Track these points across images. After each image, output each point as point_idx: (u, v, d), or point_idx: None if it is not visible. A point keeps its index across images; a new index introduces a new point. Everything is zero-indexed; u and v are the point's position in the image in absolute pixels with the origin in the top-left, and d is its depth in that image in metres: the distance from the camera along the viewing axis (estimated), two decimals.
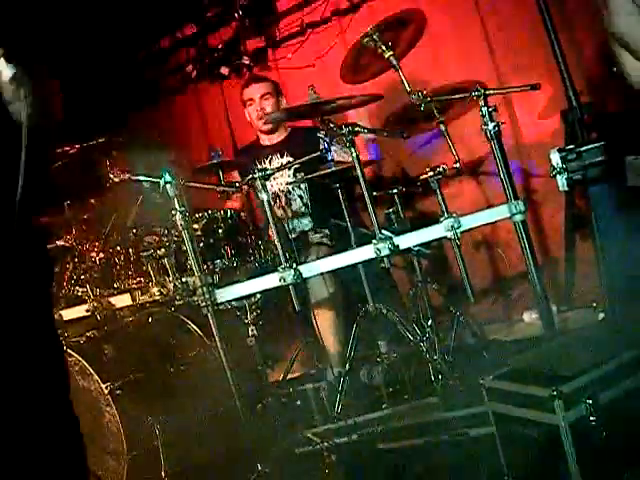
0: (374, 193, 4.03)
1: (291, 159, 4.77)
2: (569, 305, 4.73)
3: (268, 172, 3.36)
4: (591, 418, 2.24)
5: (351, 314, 4.09)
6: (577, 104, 4.09)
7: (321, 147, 3.88)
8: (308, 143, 4.57)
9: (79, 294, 3.92)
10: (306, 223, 4.69)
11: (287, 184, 4.71)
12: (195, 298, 3.47)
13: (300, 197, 4.76)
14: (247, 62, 6.06)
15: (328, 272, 3.51)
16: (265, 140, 5.05)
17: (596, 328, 3.16)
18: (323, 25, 5.75)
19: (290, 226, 4.59)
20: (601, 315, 4.15)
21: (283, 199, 4.75)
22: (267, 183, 3.41)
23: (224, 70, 6.13)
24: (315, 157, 3.70)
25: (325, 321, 4.19)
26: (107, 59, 6.31)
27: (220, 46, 6.18)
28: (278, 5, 5.94)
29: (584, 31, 4.52)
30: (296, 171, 4.72)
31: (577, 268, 4.67)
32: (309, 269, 3.34)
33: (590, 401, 2.24)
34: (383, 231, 3.23)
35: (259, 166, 4.72)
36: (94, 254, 3.85)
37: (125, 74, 6.60)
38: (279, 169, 4.26)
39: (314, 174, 3.78)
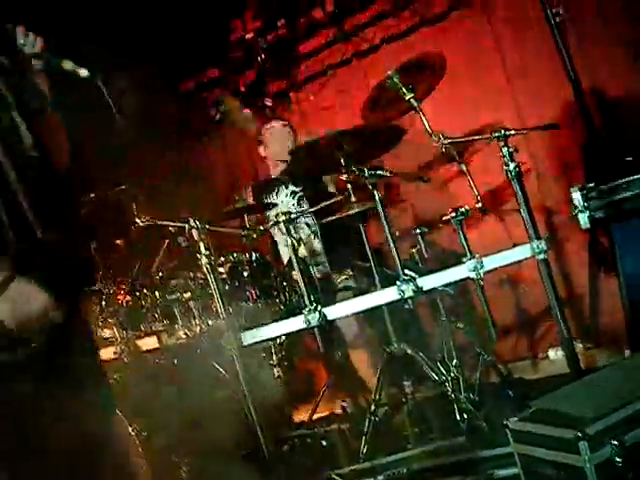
0: (397, 233, 4.07)
1: (295, 188, 4.80)
2: (595, 342, 4.71)
3: (292, 216, 3.40)
4: (617, 459, 2.22)
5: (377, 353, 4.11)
6: (598, 141, 4.11)
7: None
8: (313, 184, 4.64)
9: (106, 336, 3.96)
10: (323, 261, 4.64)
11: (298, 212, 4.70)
12: (221, 340, 3.50)
13: (307, 225, 4.75)
14: (269, 104, 6.14)
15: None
16: (272, 173, 5.10)
17: (622, 366, 3.12)
18: (344, 66, 5.82)
19: (313, 267, 4.59)
20: (627, 352, 4.13)
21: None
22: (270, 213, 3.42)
23: (247, 112, 6.21)
24: (324, 192, 3.71)
25: (362, 361, 4.21)
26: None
27: (243, 89, 6.27)
28: (300, 47, 6.02)
29: (603, 65, 4.56)
30: (300, 199, 4.75)
31: (602, 305, 4.65)
32: (333, 311, 3.36)
33: (616, 442, 2.22)
34: (406, 271, 3.24)
35: (267, 200, 4.78)
36: (121, 297, 3.89)
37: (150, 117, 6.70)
38: (302, 213, 4.28)
39: (338, 215, 3.78)
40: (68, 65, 2.14)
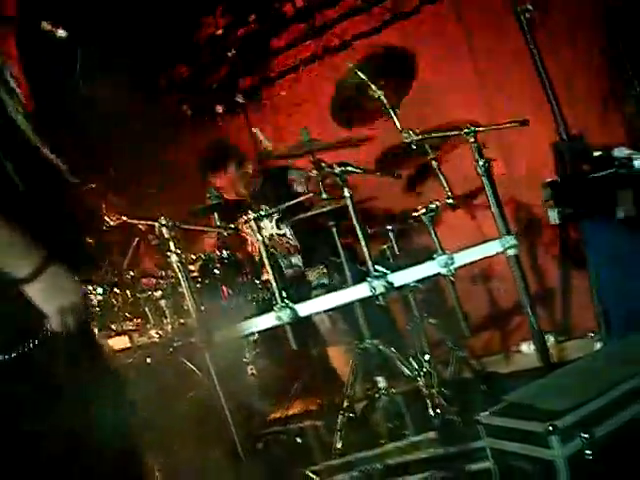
0: (369, 231, 4.08)
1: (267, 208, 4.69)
2: (567, 335, 4.75)
3: (263, 214, 3.39)
4: (587, 452, 2.23)
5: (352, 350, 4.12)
6: (567, 137, 4.14)
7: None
8: (279, 187, 4.62)
9: None
10: (296, 261, 4.63)
11: (279, 235, 4.67)
12: (193, 339, 3.48)
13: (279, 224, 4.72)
14: (241, 100, 6.12)
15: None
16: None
17: (592, 359, 3.15)
18: (315, 62, 5.81)
19: (285, 263, 4.57)
20: (598, 345, 4.17)
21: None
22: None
23: (219, 108, 6.19)
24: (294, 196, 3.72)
25: (337, 357, 4.22)
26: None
27: (214, 85, 6.25)
28: (271, 44, 6.00)
29: (572, 61, 4.58)
30: (277, 220, 4.65)
31: (573, 298, 4.69)
32: (305, 308, 3.36)
33: (586, 435, 2.24)
34: (378, 267, 3.25)
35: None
36: (92, 297, 3.86)
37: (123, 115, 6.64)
38: (271, 213, 4.23)
39: (308, 214, 3.77)
40: (45, 25, 2.12)
